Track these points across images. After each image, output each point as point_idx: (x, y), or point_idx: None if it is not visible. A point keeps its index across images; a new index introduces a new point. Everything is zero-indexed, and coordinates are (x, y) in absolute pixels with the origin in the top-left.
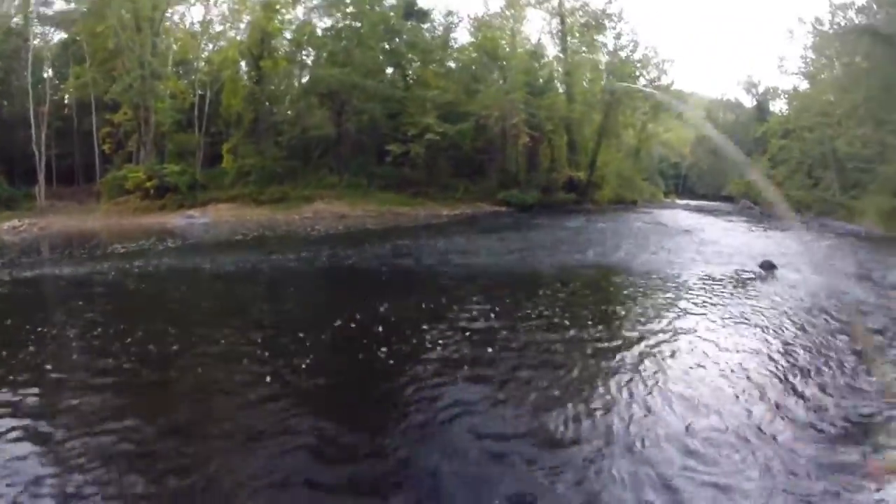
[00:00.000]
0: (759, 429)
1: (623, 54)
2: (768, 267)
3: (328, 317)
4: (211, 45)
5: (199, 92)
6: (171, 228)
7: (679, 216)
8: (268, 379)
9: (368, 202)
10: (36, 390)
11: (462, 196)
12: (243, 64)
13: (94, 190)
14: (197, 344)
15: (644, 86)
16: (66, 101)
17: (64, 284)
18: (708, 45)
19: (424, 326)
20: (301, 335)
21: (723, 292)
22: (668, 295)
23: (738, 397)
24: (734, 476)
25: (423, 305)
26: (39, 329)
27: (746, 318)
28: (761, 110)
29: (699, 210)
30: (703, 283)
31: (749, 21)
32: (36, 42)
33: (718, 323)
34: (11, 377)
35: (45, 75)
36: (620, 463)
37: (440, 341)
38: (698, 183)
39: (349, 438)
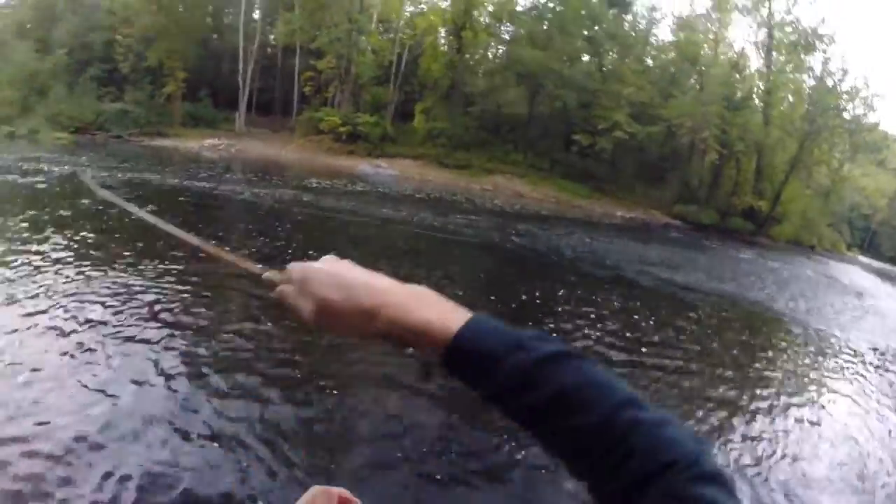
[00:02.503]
0: None
1: (830, 82)
2: None
3: (497, 290)
4: (412, 8)
5: (398, 51)
6: (359, 174)
7: (855, 275)
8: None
9: (547, 186)
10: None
11: (639, 200)
12: (442, 31)
13: (288, 124)
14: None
15: (848, 121)
16: (272, 42)
17: (271, 205)
18: None
19: (576, 313)
20: (473, 293)
21: (866, 372)
22: (807, 358)
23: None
24: None
25: (575, 294)
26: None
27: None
28: None
29: (880, 274)
30: (852, 357)
31: None
32: None
33: (846, 408)
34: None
35: (255, 16)
36: None
37: (586, 337)
38: (887, 243)
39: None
